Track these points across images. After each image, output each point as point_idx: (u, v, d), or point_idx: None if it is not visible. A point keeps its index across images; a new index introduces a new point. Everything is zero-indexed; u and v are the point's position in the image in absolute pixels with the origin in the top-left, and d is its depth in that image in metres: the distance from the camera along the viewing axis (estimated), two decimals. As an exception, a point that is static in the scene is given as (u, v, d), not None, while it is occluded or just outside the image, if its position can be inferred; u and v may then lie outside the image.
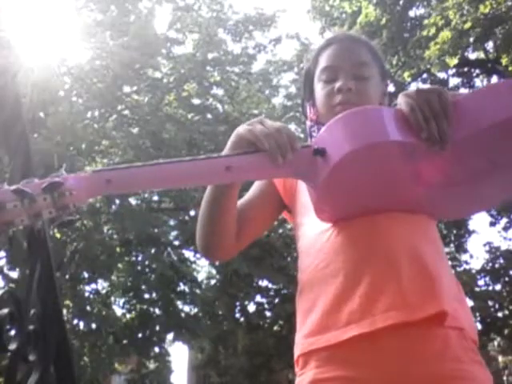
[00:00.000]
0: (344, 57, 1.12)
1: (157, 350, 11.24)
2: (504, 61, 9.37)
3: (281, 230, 10.56)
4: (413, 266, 0.92)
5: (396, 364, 0.87)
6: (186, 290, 11.01)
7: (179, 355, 16.14)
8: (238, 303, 12.13)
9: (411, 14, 10.53)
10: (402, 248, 0.94)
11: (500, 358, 16.14)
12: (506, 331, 12.80)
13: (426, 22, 8.78)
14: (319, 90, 1.14)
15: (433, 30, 8.39)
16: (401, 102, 0.89)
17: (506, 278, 12.62)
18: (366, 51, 1.15)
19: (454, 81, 11.87)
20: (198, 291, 11.09)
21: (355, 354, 0.89)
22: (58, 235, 8.94)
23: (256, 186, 1.18)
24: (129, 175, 0.85)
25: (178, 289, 10.94)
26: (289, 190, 1.16)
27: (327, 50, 1.15)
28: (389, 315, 0.88)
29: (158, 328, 10.55)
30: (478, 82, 11.95)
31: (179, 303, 11.00)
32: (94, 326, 9.92)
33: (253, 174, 0.93)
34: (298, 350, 0.99)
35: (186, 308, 11.25)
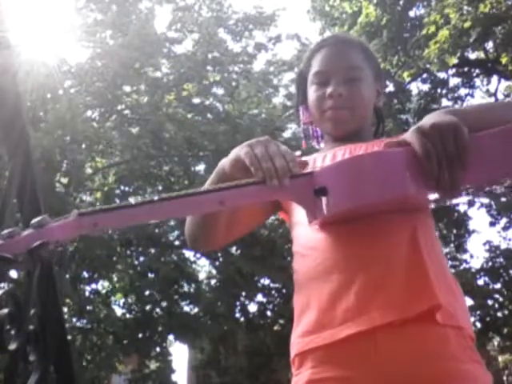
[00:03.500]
0: (335, 61, 1.15)
1: (158, 349, 11.23)
2: (504, 60, 9.37)
3: (281, 230, 10.56)
4: (409, 263, 0.91)
5: (394, 364, 0.86)
6: (191, 290, 11.01)
7: (179, 355, 16.17)
8: (238, 303, 12.12)
9: (411, 14, 10.53)
10: (398, 246, 0.93)
11: (500, 358, 16.12)
12: (505, 330, 12.77)
13: (425, 20, 8.77)
14: (312, 93, 1.17)
15: (432, 29, 8.38)
16: (413, 138, 0.84)
17: (506, 277, 12.60)
18: (356, 53, 1.17)
19: (453, 81, 11.88)
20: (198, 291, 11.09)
21: (352, 353, 0.88)
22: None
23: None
24: (117, 216, 0.83)
25: (181, 290, 10.94)
26: None
27: (319, 53, 1.18)
28: (386, 312, 0.86)
29: (159, 328, 10.54)
30: (478, 82, 11.98)
31: (181, 303, 11.00)
32: (93, 325, 9.91)
33: (248, 202, 0.92)
34: (294, 350, 0.97)
35: (187, 308, 11.25)
